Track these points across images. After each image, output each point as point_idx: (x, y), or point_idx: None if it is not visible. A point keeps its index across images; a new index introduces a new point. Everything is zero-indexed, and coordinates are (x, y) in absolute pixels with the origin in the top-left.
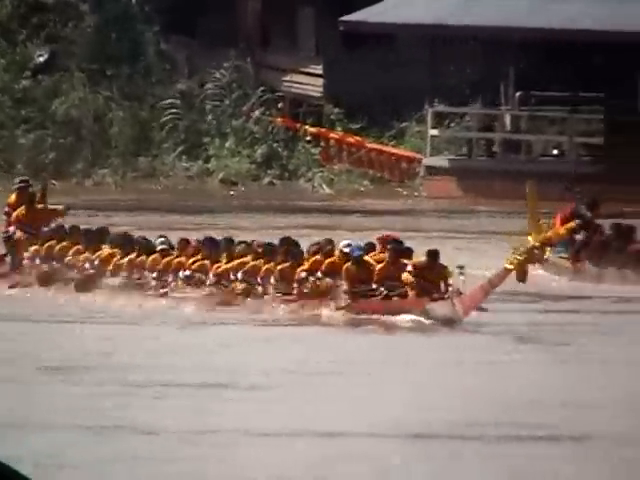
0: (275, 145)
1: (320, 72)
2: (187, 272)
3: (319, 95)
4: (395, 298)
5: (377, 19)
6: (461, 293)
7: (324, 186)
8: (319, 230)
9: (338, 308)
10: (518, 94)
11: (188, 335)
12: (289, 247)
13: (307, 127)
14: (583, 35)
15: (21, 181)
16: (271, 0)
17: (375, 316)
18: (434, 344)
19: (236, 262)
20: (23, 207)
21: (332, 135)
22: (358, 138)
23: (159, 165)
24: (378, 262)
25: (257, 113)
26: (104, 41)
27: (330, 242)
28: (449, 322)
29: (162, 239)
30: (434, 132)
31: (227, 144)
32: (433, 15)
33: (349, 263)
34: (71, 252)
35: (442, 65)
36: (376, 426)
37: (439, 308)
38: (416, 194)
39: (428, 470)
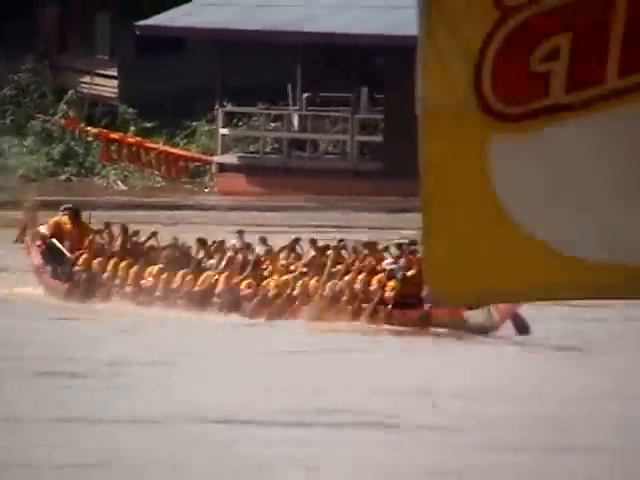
0: (72, 144)
1: (115, 74)
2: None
3: (114, 96)
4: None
5: (170, 24)
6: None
7: (119, 182)
8: None
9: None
10: (305, 95)
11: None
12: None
13: (89, 128)
14: (362, 39)
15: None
16: (69, 6)
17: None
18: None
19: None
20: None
21: (113, 135)
22: (138, 138)
23: None
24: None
25: (59, 114)
26: None
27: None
28: (485, 330)
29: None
30: (224, 131)
31: (26, 142)
32: (221, 20)
33: (392, 281)
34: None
35: (232, 67)
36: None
37: (476, 316)
38: (207, 190)
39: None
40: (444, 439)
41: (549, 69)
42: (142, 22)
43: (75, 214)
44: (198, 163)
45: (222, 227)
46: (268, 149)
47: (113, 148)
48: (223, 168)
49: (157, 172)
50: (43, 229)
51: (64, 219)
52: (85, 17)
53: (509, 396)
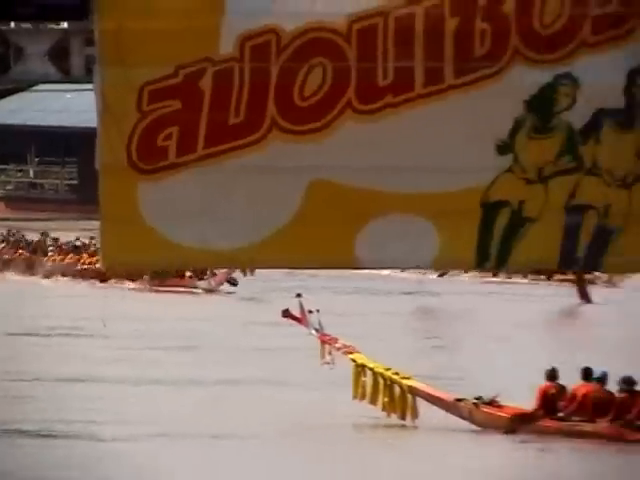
0: None
1: None
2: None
3: None
4: (177, 278)
5: None
6: (215, 274)
7: None
8: None
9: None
10: (37, 159)
11: None
12: None
13: None
14: (67, 129)
15: None
16: None
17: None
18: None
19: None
20: None
21: None
22: None
23: None
24: None
25: None
26: None
27: None
28: (210, 290)
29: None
30: None
31: None
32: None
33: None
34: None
35: (5, 144)
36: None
37: (202, 283)
38: None
39: None
40: (101, 343)
41: (166, 145)
42: None
43: None
44: None
45: None
46: (15, 188)
47: None
48: None
49: None
50: None
51: None
52: None
53: (178, 318)
